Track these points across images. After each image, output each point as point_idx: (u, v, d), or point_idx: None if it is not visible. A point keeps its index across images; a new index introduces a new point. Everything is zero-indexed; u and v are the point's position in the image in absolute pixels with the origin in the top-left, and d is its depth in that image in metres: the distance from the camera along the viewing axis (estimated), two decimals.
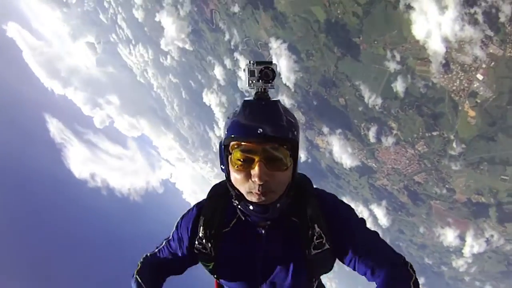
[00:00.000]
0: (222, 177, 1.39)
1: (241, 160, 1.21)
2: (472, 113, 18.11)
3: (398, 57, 19.20)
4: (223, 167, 1.32)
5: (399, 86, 19.27)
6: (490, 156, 18.75)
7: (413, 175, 20.49)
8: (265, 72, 1.27)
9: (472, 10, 15.71)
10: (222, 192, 1.44)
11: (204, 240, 1.41)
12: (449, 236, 20.80)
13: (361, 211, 24.03)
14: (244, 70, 1.30)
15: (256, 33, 24.79)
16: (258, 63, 1.28)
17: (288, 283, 1.42)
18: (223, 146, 1.28)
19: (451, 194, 20.52)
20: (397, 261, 1.36)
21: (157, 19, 31.75)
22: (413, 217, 22.75)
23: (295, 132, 1.25)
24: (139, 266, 1.59)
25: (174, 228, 1.56)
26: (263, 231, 1.39)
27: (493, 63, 16.27)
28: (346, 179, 24.60)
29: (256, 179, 1.18)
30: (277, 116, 1.23)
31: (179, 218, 1.55)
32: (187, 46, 32.21)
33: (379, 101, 20.33)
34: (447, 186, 20.45)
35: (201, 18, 29.19)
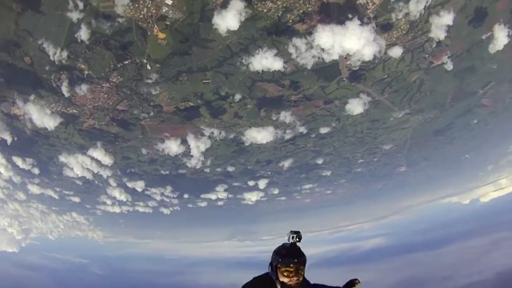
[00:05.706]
0: None
1: (285, 272, 2.63)
2: (162, 35, 19.49)
3: (81, 5, 19.44)
4: (272, 272, 2.73)
5: (83, 34, 19.47)
6: (187, 68, 21.04)
7: (115, 106, 22.45)
8: (297, 236, 2.71)
9: None
10: (262, 282, 2.78)
11: None
12: (173, 147, 24.41)
13: (82, 161, 25.28)
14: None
15: None
16: (292, 232, 2.73)
17: None
18: (273, 264, 2.70)
19: (159, 110, 23.65)
20: None
21: None
22: (130, 141, 25.40)
23: (305, 259, 2.70)
24: None
25: None
26: None
27: None
28: (54, 135, 24.82)
29: (293, 280, 2.63)
30: (300, 253, 2.68)
31: None
32: None
33: (65, 54, 20.25)
34: (152, 104, 23.38)
35: None
